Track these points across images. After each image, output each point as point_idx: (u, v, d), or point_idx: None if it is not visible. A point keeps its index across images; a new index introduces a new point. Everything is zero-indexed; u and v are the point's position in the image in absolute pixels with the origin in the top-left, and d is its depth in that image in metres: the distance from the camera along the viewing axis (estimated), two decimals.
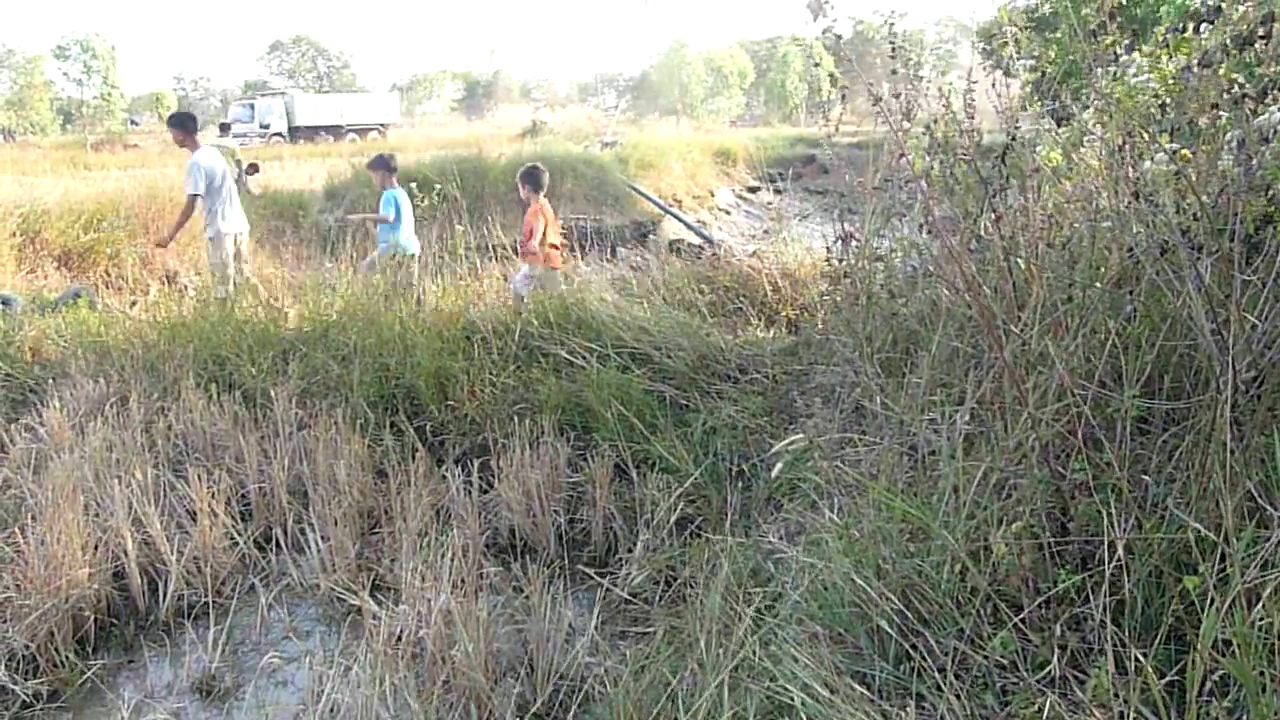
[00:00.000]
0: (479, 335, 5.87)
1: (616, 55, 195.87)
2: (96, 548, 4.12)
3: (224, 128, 17.83)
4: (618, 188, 19.38)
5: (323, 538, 4.41)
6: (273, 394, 5.52)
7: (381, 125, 53.90)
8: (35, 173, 23.29)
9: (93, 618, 3.98)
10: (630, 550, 4.25)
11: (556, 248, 7.49)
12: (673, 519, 4.22)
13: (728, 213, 24.39)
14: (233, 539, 4.48)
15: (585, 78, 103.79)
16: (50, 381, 6.23)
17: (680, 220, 19.22)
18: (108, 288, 10.36)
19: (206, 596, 4.17)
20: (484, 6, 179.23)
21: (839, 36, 3.28)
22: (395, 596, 3.90)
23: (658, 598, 3.89)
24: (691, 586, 3.73)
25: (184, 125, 8.82)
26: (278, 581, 4.35)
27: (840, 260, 4.80)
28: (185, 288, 10.04)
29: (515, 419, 5.04)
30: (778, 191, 21.53)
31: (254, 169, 16.90)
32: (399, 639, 3.45)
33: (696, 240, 17.69)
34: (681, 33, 66.14)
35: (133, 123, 56.00)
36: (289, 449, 5.07)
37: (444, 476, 4.84)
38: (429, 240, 7.72)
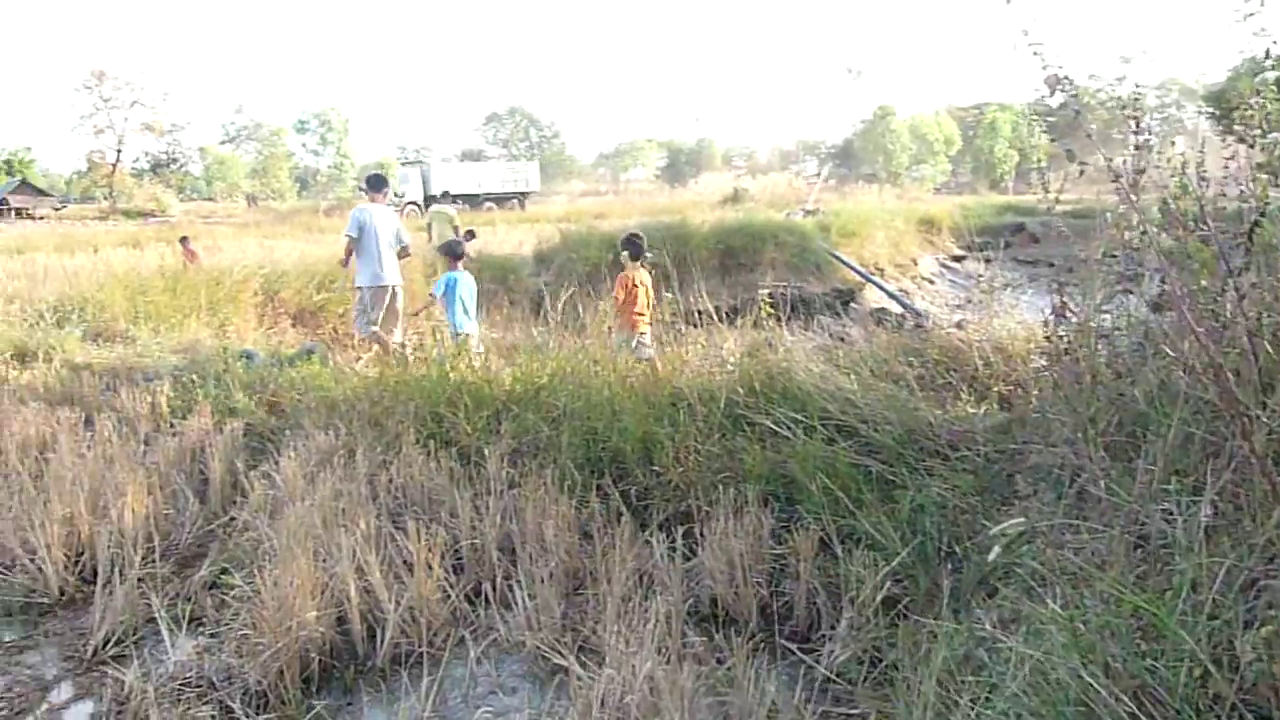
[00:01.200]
0: (685, 402, 5.93)
1: (819, 123, 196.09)
2: (323, 592, 4.36)
3: (444, 195, 19.00)
4: (819, 255, 19.36)
5: (529, 596, 4.51)
6: (486, 452, 5.75)
7: (521, 194, 54.44)
8: (274, 236, 25.26)
9: (317, 659, 4.18)
10: (833, 627, 4.17)
11: (641, 314, 8.10)
12: (879, 598, 4.11)
13: (931, 281, 23.94)
14: (445, 592, 4.64)
15: (787, 145, 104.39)
16: (286, 432, 6.69)
17: (882, 289, 19.01)
18: (336, 344, 11.07)
19: (420, 647, 4.32)
20: (690, 77, 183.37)
21: (1077, 112, 3.19)
22: (599, 659, 3.94)
23: (862, 678, 3.79)
24: (898, 670, 3.62)
25: (369, 183, 10.39)
26: (486, 636, 4.45)
27: (1060, 335, 4.61)
28: (403, 345, 10.57)
29: (719, 487, 5.05)
30: (987, 261, 20.92)
31: (471, 235, 17.80)
32: (603, 703, 3.48)
33: (898, 309, 17.43)
34: (887, 100, 65.52)
35: (360, 190, 60.01)
36: (500, 507, 5.23)
37: (648, 541, 4.90)
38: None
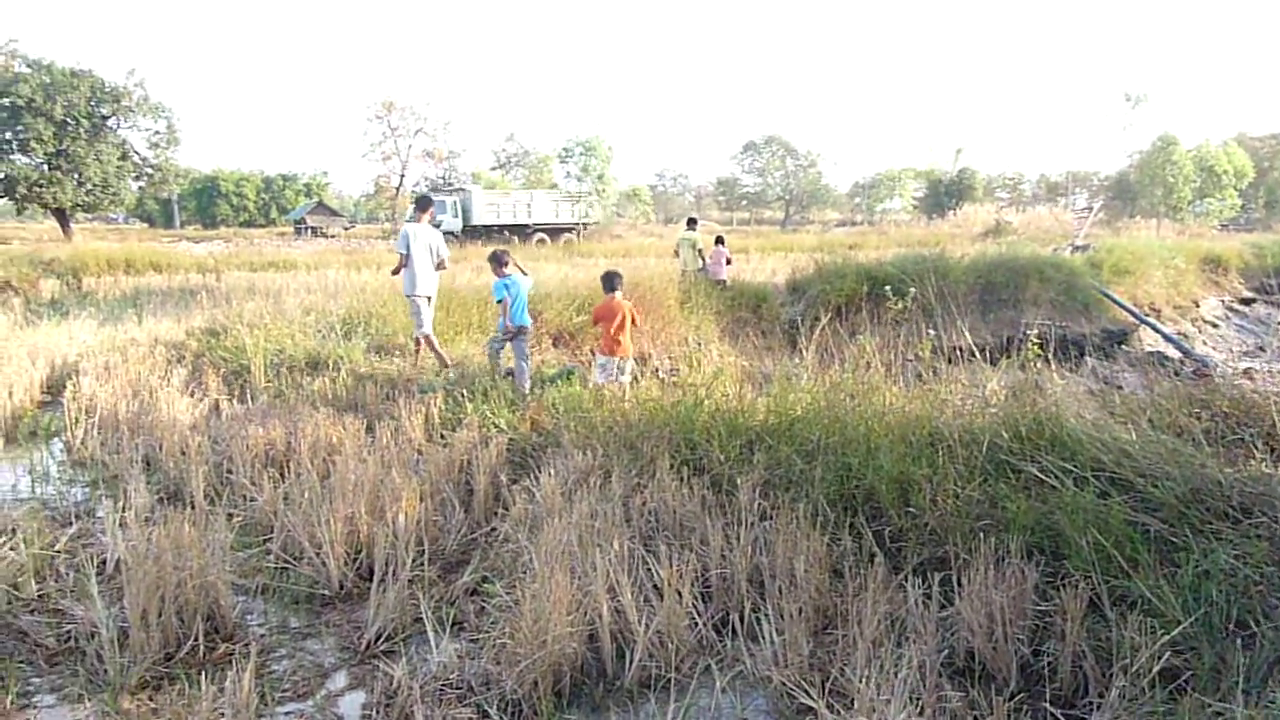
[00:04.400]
0: (944, 443, 5.73)
1: (1092, 153, 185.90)
2: (577, 609, 4.47)
3: (691, 222, 19.32)
4: (1088, 294, 18.32)
5: (777, 631, 4.47)
6: (738, 482, 5.76)
7: (577, 226, 50.94)
8: (538, 258, 26.46)
9: (569, 674, 4.30)
10: (1102, 696, 3.89)
11: (619, 342, 9.34)
12: (1155, 669, 3.81)
13: (1214, 325, 22.17)
14: (693, 619, 4.67)
15: (1055, 176, 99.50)
16: (546, 449, 6.94)
17: (1158, 331, 17.79)
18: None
19: (668, 672, 4.35)
20: (953, 105, 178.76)
21: None
22: (847, 702, 3.86)
23: None
24: None
25: (416, 203, 11.73)
26: (732, 667, 4.43)
27: None
28: (656, 370, 10.82)
29: (979, 535, 4.84)
30: None
31: (728, 261, 17.99)
32: None
33: (1177, 354, 16.24)
34: (1169, 128, 61.10)
35: (618, 215, 61.43)
36: (750, 538, 5.21)
37: (901, 585, 4.75)
38: (899, 343, 7.72)
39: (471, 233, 46.24)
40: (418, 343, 11.21)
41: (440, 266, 11.35)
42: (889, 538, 5.34)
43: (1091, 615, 4.32)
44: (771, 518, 5.43)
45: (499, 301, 10.06)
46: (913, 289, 8.03)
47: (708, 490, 5.90)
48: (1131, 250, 22.73)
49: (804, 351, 8.46)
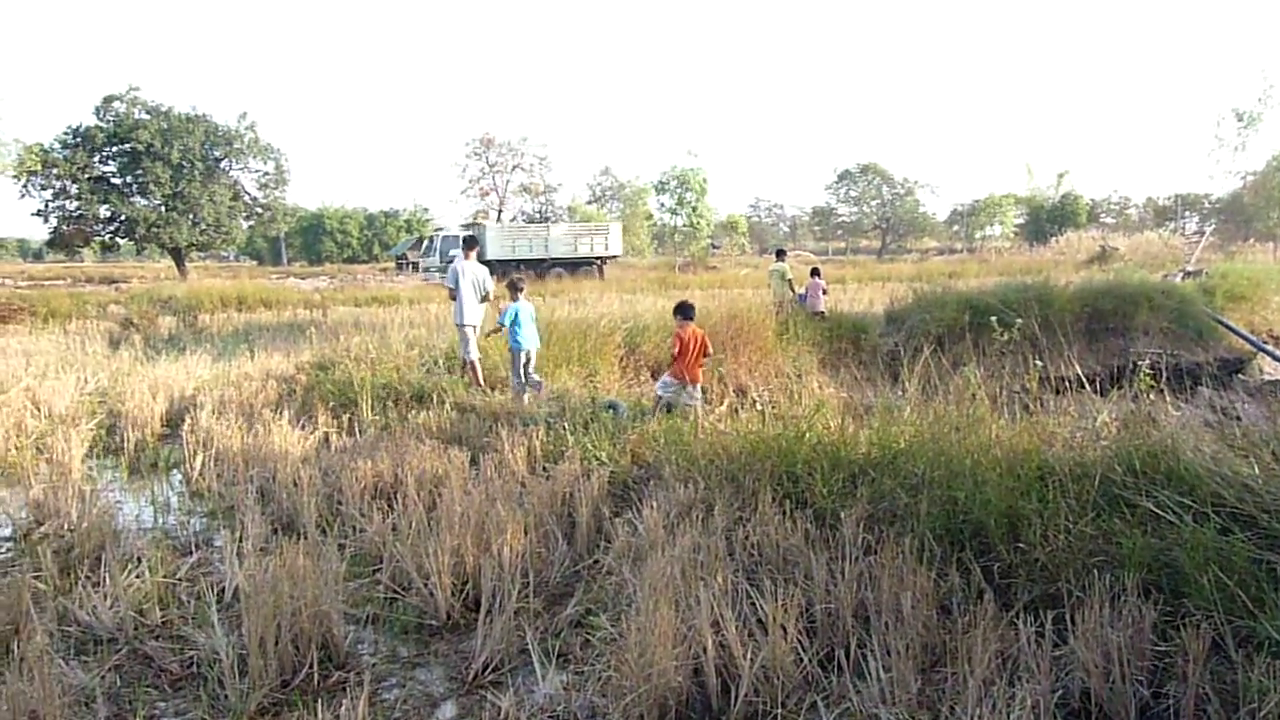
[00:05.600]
0: (1054, 476, 5.60)
1: (1201, 175, 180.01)
2: (682, 642, 4.47)
3: (779, 253, 19.23)
4: (1200, 321, 17.67)
5: (884, 668, 4.40)
6: (842, 516, 5.71)
7: (597, 260, 49.70)
8: (633, 290, 26.66)
9: (674, 708, 4.29)
10: None
11: (689, 367, 10.07)
12: None
13: None
14: (798, 654, 4.61)
15: (1163, 199, 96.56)
16: (648, 482, 6.98)
17: (1278, 360, 17.08)
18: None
19: (774, 708, 4.31)
20: (1054, 129, 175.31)
21: None
22: None
23: None
24: None
25: (463, 243, 13.34)
26: (838, 704, 4.36)
27: None
28: (754, 402, 10.78)
29: (1093, 571, 4.71)
30: None
31: (824, 292, 17.92)
32: None
33: None
34: None
35: (713, 247, 61.53)
36: (855, 573, 5.14)
37: (1012, 623, 4.64)
38: (1004, 374, 7.58)
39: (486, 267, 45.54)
40: (464, 366, 12.63)
41: (484, 299, 12.79)
42: (998, 574, 5.21)
43: (1214, 656, 4.17)
44: (876, 552, 5.36)
45: (500, 325, 11.71)
46: (1018, 318, 7.83)
47: (811, 524, 5.85)
48: (1247, 275, 21.89)
49: (905, 383, 8.36)
